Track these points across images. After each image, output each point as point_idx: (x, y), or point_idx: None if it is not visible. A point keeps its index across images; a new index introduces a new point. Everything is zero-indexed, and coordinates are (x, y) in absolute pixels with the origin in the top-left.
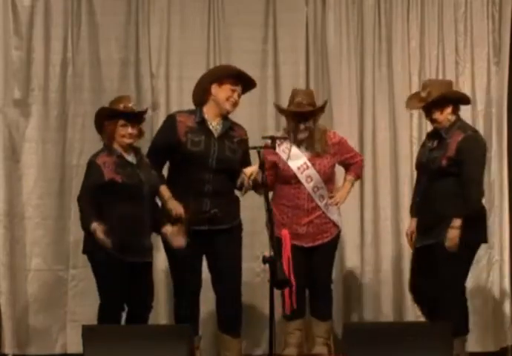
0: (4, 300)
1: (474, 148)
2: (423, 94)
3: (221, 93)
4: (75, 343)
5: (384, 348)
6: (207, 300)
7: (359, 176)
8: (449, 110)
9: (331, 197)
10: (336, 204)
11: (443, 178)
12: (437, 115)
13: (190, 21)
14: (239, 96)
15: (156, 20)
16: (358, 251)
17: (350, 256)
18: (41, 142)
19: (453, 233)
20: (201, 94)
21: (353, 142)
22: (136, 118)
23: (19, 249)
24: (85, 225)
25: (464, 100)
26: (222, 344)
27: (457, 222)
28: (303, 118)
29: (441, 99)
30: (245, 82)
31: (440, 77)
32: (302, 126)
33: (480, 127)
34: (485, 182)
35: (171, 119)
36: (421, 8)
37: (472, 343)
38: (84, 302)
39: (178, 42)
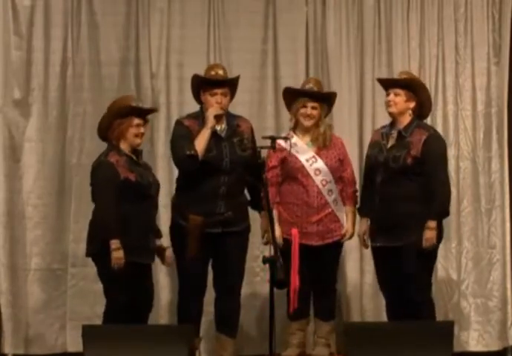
0: (4, 300)
1: (439, 148)
2: (401, 76)
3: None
4: (75, 343)
5: (384, 348)
6: (208, 302)
7: (357, 202)
8: (412, 103)
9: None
10: (345, 236)
11: (405, 178)
12: (394, 97)
13: (190, 21)
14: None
15: (156, 20)
16: (358, 250)
17: (350, 255)
18: (41, 142)
19: (430, 234)
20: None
21: (353, 142)
22: (144, 115)
23: (19, 249)
24: (105, 235)
25: (426, 110)
26: (219, 344)
27: (433, 224)
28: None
29: (412, 84)
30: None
31: (440, 77)
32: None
33: (480, 127)
34: (486, 182)
35: (181, 125)
36: (421, 8)
37: (473, 343)
38: (84, 301)
39: (178, 42)
